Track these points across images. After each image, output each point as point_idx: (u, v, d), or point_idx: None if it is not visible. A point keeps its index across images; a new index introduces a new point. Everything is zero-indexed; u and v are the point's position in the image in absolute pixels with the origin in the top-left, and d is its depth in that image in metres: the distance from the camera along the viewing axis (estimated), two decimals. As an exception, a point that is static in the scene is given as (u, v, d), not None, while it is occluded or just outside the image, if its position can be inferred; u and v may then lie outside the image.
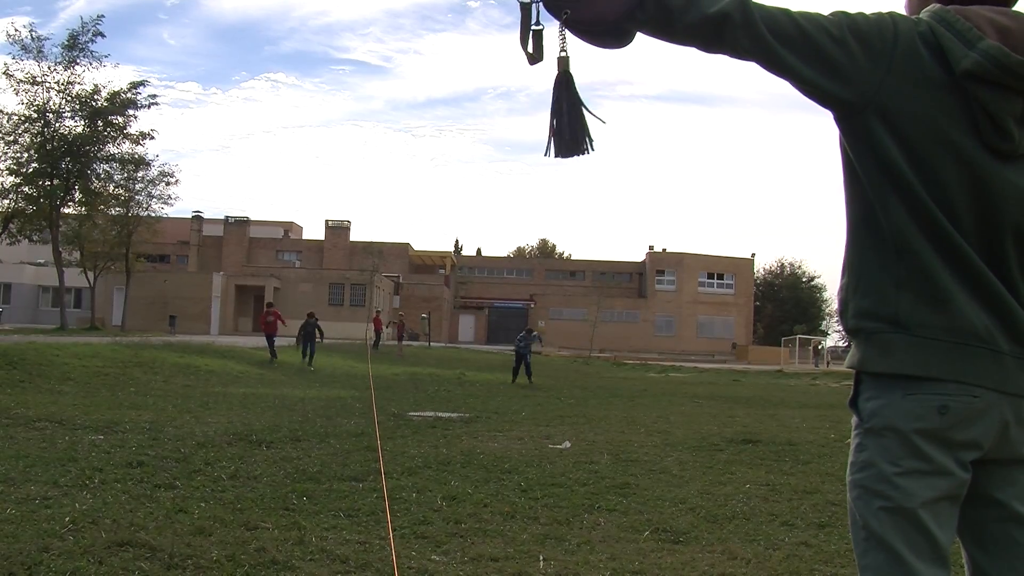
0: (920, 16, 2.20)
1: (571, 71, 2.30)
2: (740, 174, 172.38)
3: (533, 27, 2.28)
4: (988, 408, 2.13)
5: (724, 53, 2.16)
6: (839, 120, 2.22)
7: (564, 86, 2.30)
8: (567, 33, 2.27)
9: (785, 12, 2.11)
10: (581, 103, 2.31)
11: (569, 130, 2.30)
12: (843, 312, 2.30)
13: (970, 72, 2.09)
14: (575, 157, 2.32)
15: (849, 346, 2.35)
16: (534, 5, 2.27)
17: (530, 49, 2.29)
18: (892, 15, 2.18)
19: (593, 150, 2.32)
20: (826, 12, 2.18)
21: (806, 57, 2.10)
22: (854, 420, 2.28)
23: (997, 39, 2.10)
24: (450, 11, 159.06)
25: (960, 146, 2.12)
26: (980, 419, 2.13)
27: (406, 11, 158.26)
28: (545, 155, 2.30)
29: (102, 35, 48.91)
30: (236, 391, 20.87)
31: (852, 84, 2.12)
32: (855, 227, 2.26)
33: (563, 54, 2.29)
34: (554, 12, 2.22)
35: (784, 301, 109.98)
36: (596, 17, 2.18)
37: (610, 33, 2.23)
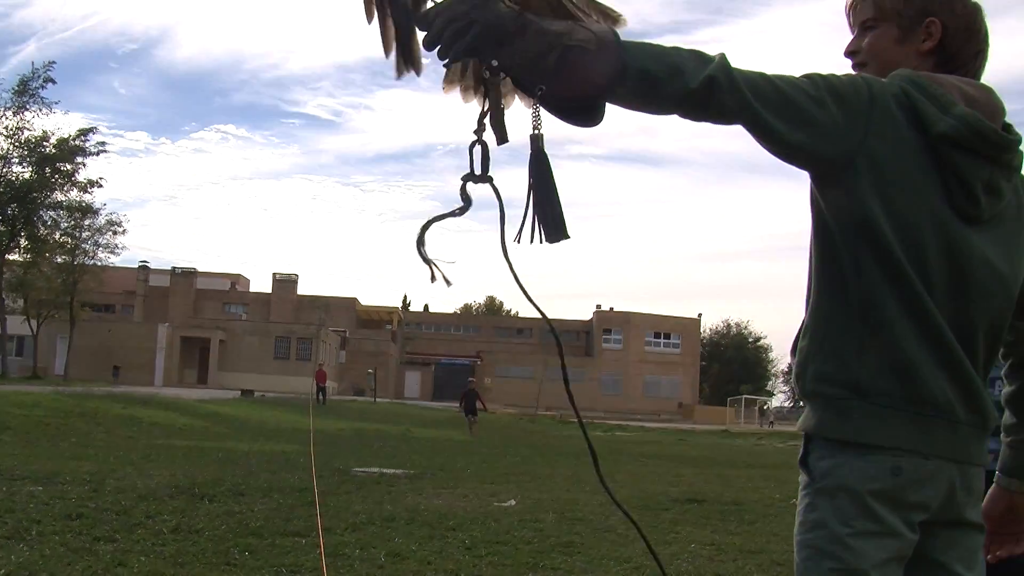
0: (890, 80, 2.22)
1: (545, 150, 2.13)
2: (687, 234, 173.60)
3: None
4: (938, 470, 2.14)
5: (707, 120, 2.10)
6: (818, 180, 2.20)
7: (541, 167, 2.13)
8: (541, 110, 2.11)
9: (762, 75, 2.08)
10: (555, 187, 2.14)
11: (552, 216, 2.12)
12: (801, 375, 2.28)
13: (945, 135, 2.12)
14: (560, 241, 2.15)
15: (794, 407, 2.35)
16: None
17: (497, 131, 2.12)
18: (863, 76, 2.19)
19: (568, 236, 2.14)
20: (798, 74, 2.16)
21: (788, 119, 2.06)
22: (802, 479, 2.25)
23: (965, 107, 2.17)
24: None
25: (935, 208, 2.14)
26: (930, 481, 2.14)
27: (357, 66, 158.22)
28: (531, 242, 2.11)
29: (53, 81, 48.76)
30: (180, 443, 20.66)
31: (835, 143, 2.10)
32: (821, 290, 2.25)
33: (537, 132, 2.11)
34: (526, 89, 2.11)
35: (730, 361, 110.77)
36: (573, 93, 2.06)
37: (586, 109, 2.11)
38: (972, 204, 2.17)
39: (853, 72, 2.40)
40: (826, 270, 2.23)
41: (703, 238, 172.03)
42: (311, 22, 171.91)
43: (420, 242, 2.11)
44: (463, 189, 2.11)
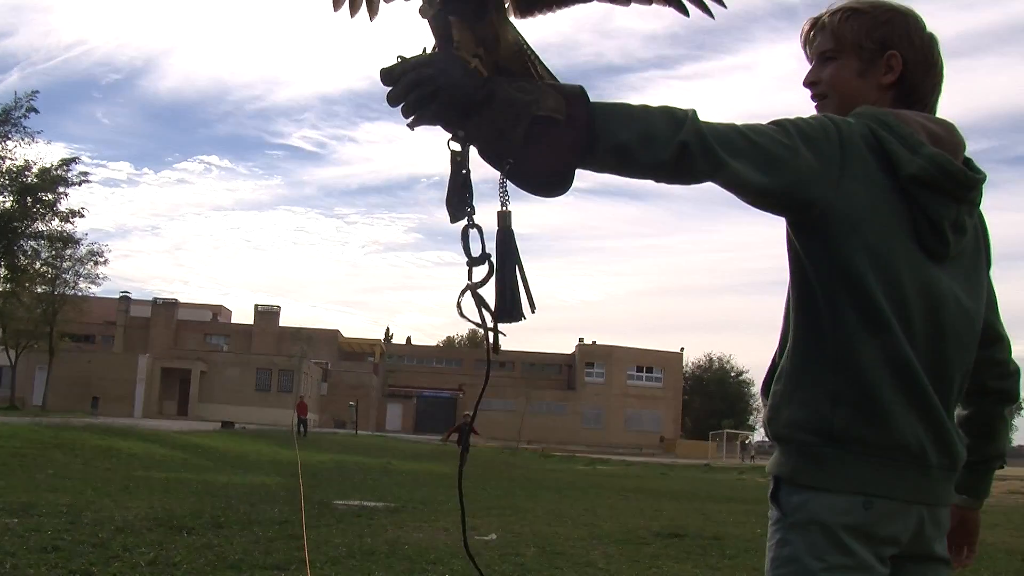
0: (856, 119, 2.20)
1: (512, 228, 2.01)
2: (670, 268, 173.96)
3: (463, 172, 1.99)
4: (908, 506, 2.15)
5: (680, 183, 2.04)
6: (796, 226, 2.17)
7: (507, 246, 2.01)
8: (508, 184, 1.99)
9: (733, 128, 2.03)
10: (522, 267, 2.02)
11: (511, 298, 2.00)
12: (773, 419, 2.26)
13: (916, 177, 2.12)
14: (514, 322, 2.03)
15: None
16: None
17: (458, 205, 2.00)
18: (829, 118, 2.16)
19: (525, 317, 2.03)
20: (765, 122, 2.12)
21: (764, 170, 2.01)
22: (773, 514, 2.24)
23: (930, 145, 2.17)
24: (385, 99, 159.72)
25: (907, 248, 2.14)
26: (901, 516, 2.13)
27: (341, 98, 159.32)
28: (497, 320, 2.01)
29: (35, 111, 48.63)
30: (159, 475, 20.50)
31: (811, 190, 2.07)
32: (799, 334, 2.22)
33: (505, 209, 2.00)
34: (494, 163, 1.97)
35: (712, 395, 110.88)
36: (543, 166, 1.95)
37: (555, 182, 1.99)
38: (941, 243, 2.17)
39: (815, 107, 2.41)
40: (804, 316, 2.21)
41: (686, 272, 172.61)
42: (295, 54, 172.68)
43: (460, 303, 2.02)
44: (489, 266, 2.01)
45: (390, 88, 1.90)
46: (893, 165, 2.14)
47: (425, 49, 1.97)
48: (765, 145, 2.02)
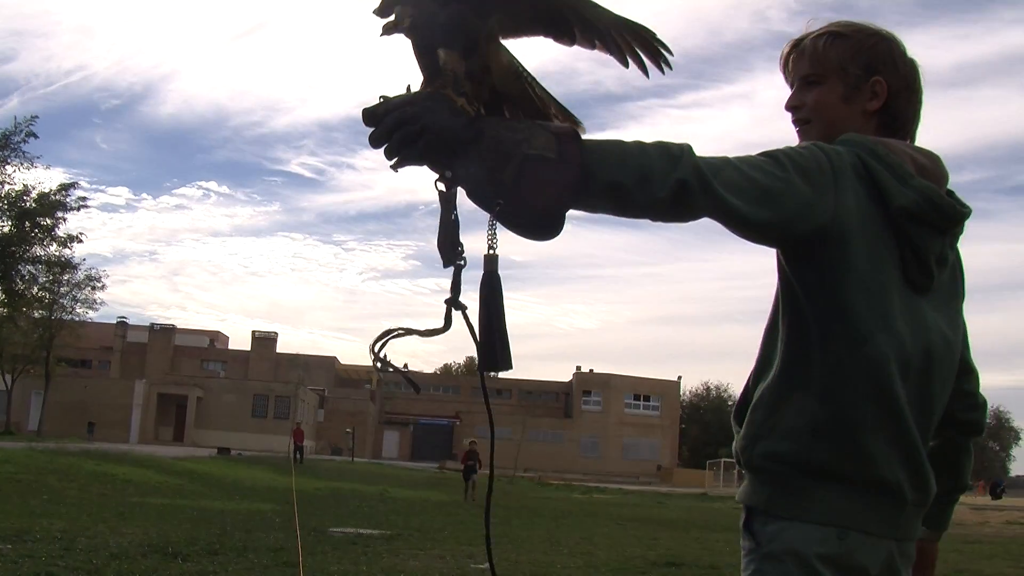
0: (842, 147, 2.17)
1: (499, 272, 1.93)
2: (666, 297, 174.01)
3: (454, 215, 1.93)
4: (881, 539, 2.14)
5: (675, 221, 1.99)
6: (789, 256, 2.15)
7: (491, 290, 1.92)
8: (498, 227, 1.91)
9: (727, 161, 1.98)
10: (503, 316, 1.94)
11: (498, 345, 1.92)
12: (748, 448, 2.22)
13: (905, 208, 2.10)
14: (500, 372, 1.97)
15: None
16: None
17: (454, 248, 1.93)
18: (819, 147, 2.12)
19: (512, 367, 1.95)
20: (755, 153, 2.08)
21: (760, 204, 1.97)
22: (746, 544, 2.22)
23: (918, 176, 2.16)
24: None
25: (895, 279, 2.12)
26: (874, 546, 2.12)
27: (340, 124, 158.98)
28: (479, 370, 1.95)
29: (35, 136, 48.56)
30: (154, 501, 20.46)
31: (807, 221, 2.04)
32: (785, 364, 2.18)
33: (491, 252, 1.91)
34: (483, 204, 1.89)
35: (709, 424, 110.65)
36: (535, 207, 1.88)
37: (546, 224, 1.91)
38: (925, 276, 2.17)
39: (797, 132, 2.38)
40: (793, 346, 2.18)
41: (683, 301, 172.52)
42: (294, 81, 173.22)
43: (379, 353, 1.95)
44: (447, 313, 1.93)
45: (372, 129, 1.84)
46: (883, 195, 2.12)
47: (409, 87, 1.91)
48: (760, 179, 1.98)
